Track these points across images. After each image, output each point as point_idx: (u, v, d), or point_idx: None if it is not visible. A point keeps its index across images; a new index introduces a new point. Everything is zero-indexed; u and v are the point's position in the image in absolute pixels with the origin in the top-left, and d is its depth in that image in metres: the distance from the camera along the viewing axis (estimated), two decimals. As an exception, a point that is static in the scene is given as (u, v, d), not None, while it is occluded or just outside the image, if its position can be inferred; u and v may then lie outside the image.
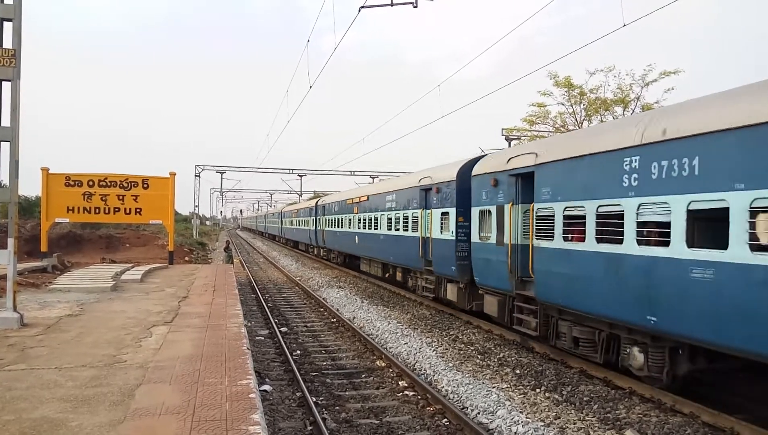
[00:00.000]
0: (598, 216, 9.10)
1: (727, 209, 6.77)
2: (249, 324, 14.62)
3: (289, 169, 66.86)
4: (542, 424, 7.72)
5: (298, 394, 9.43)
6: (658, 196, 7.86)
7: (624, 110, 28.78)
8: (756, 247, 6.45)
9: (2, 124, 10.46)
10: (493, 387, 9.39)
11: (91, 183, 22.80)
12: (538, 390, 9.25)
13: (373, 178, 59.74)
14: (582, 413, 8.14)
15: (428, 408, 8.78)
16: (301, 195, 72.34)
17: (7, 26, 10.49)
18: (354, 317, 16.33)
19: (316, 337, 14.36)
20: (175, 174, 24.32)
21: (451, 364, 10.84)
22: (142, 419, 5.76)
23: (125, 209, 23.25)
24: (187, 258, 33.60)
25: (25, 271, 18.32)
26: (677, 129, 7.64)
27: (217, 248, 50.52)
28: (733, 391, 8.73)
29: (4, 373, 7.44)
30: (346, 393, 9.61)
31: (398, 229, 19.65)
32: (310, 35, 18.55)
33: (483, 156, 14.49)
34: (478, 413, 8.31)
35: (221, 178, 68.61)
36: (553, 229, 10.28)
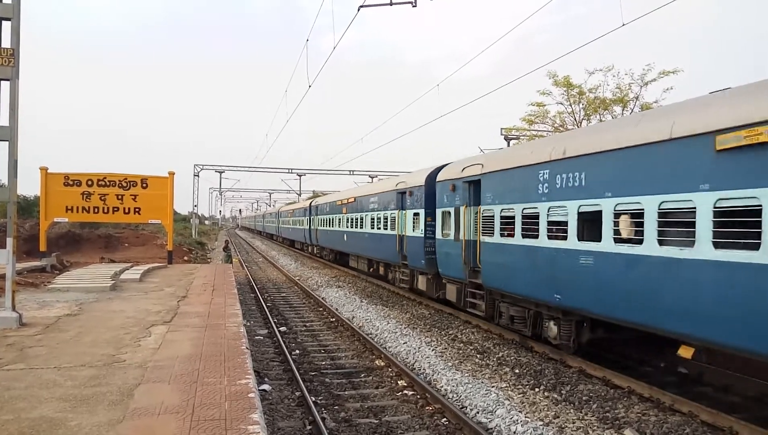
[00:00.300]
0: (523, 216, 11.35)
1: (600, 211, 9.11)
2: (248, 323, 14.62)
3: (288, 169, 66.78)
4: (541, 423, 7.73)
5: (297, 393, 9.43)
6: (560, 201, 10.19)
7: (623, 110, 28.79)
8: (618, 239, 8.78)
9: (1, 124, 10.45)
10: (492, 386, 9.39)
11: (90, 182, 22.77)
12: (537, 389, 9.26)
13: (372, 177, 59.67)
14: (581, 412, 8.15)
15: (427, 407, 8.78)
16: (300, 194, 72.28)
17: (6, 25, 10.47)
18: (353, 317, 16.33)
19: (315, 336, 14.36)
20: (173, 173, 24.29)
21: (450, 364, 10.85)
22: (141, 419, 5.76)
23: (124, 209, 23.21)
24: (186, 257, 33.59)
25: (24, 271, 18.31)
26: (572, 150, 10.01)
27: (216, 248, 50.51)
28: (732, 391, 8.74)
29: (3, 372, 7.43)
30: (346, 392, 9.61)
31: (380, 228, 21.70)
32: (309, 35, 18.52)
33: (446, 164, 16.33)
34: (477, 412, 8.31)
35: (220, 178, 68.54)
36: (493, 227, 12.49)
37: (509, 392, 9.11)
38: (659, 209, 7.90)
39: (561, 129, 29.66)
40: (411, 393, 9.51)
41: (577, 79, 29.60)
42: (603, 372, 9.74)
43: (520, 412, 8.17)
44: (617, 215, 8.75)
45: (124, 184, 23.20)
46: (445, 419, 8.25)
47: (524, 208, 11.25)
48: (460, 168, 14.59)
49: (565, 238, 9.97)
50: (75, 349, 8.83)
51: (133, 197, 23.27)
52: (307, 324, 16.02)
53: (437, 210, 15.89)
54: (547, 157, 10.58)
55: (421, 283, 17.81)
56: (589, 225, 9.51)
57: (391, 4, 13.66)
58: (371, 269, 24.38)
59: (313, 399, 8.99)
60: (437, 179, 16.03)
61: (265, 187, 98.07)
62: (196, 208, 62.89)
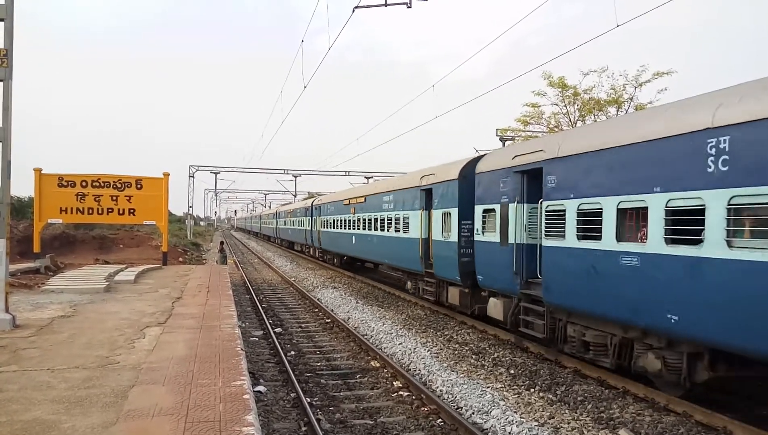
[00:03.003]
0: (333, 220, 29.73)
1: (336, 219, 28.80)
2: (243, 325, 14.59)
3: (284, 170, 66.75)
4: (536, 423, 7.73)
5: (292, 394, 9.42)
6: (334, 215, 29.75)
7: (618, 110, 28.88)
8: (346, 227, 27.05)
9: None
10: (488, 387, 9.39)
11: (84, 183, 22.68)
12: (532, 390, 9.27)
13: (367, 178, 59.66)
14: (576, 413, 8.16)
15: (423, 408, 8.78)
16: (295, 195, 72.18)
17: (-1, 26, 10.42)
18: (349, 318, 16.32)
19: (311, 337, 14.34)
20: (168, 174, 24.21)
21: (445, 365, 10.85)
22: (136, 421, 5.74)
23: (119, 210, 23.13)
24: (181, 259, 33.44)
25: (17, 272, 18.21)
26: (338, 198, 30.65)
27: (211, 249, 50.40)
28: (727, 391, 8.77)
29: (-4, 374, 7.39)
30: (341, 393, 9.60)
31: (301, 226, 40.74)
32: (304, 35, 18.59)
33: (317, 197, 39.39)
34: (473, 413, 8.31)
35: (215, 179, 68.37)
36: (324, 225, 31.53)
37: (504, 393, 9.12)
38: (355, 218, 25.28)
39: (556, 129, 29.74)
40: (406, 394, 9.50)
41: (571, 80, 29.73)
42: (598, 372, 9.76)
43: (515, 412, 8.17)
44: (344, 220, 27.05)
45: (119, 185, 23.12)
46: (440, 420, 8.25)
47: (330, 218, 29.84)
48: (318, 200, 35.03)
49: (347, 227, 26.22)
50: (69, 350, 8.80)
51: (127, 198, 23.19)
52: (303, 325, 15.99)
53: (313, 217, 35.14)
54: (334, 199, 30.73)
55: (312, 253, 38.10)
56: (340, 223, 27.78)
57: (386, 5, 13.67)
58: (303, 249, 43.24)
59: (309, 400, 8.97)
60: (313, 204, 35.57)
61: (260, 188, 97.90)
62: (191, 209, 62.78)
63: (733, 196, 6.62)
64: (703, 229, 7.03)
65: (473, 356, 11.49)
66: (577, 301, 9.61)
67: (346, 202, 26.56)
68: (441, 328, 14.30)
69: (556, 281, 10.14)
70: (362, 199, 23.72)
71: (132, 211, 23.30)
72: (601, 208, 8.86)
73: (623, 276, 8.37)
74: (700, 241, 7.08)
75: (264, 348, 12.91)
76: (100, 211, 22.97)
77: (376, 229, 21.40)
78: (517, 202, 11.40)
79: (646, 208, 7.98)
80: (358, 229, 24.11)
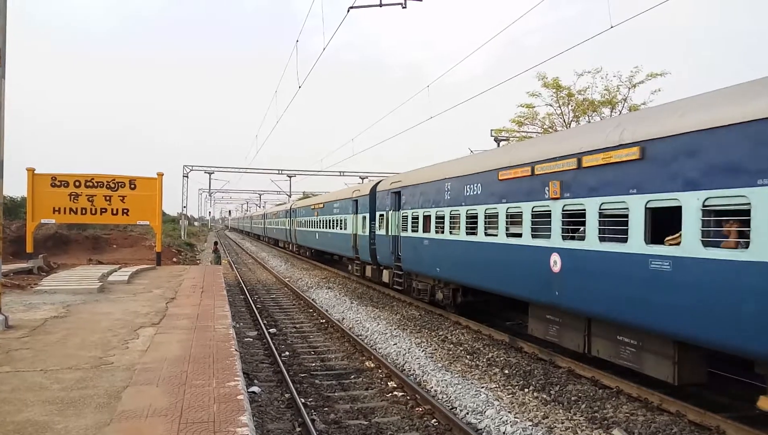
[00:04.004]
0: (305, 221, 36.59)
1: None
2: (237, 325, 14.56)
3: (278, 170, 66.60)
4: (530, 423, 7.75)
5: (286, 395, 9.41)
6: (308, 217, 36.84)
7: (611, 111, 28.99)
8: (309, 226, 36.30)
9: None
10: (482, 387, 9.42)
11: (77, 183, 22.54)
12: (526, 390, 9.30)
13: (362, 178, 59.62)
14: (570, 413, 8.18)
15: (417, 408, 8.78)
16: (290, 196, 72.04)
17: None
18: (343, 318, 16.31)
19: (305, 338, 14.32)
20: (162, 174, 24.10)
21: (440, 365, 10.86)
22: (129, 421, 5.71)
23: (112, 210, 23.00)
24: (174, 259, 33.35)
25: (10, 273, 18.10)
26: (300, 204, 42.05)
27: (205, 249, 50.28)
28: (720, 391, 8.82)
29: (-12, 375, 7.34)
30: (335, 394, 9.59)
31: (282, 226, 48.08)
32: (299, 35, 18.51)
33: (295, 201, 48.55)
34: (467, 413, 8.33)
35: (210, 179, 68.09)
36: (299, 225, 39.40)
37: (499, 393, 9.14)
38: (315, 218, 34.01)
39: (550, 130, 29.81)
40: (401, 394, 9.51)
41: (566, 81, 29.81)
42: (592, 372, 9.80)
43: (509, 412, 8.20)
44: (311, 220, 34.46)
45: (112, 185, 23.00)
46: (434, 420, 8.26)
47: (302, 219, 37.88)
48: (295, 205, 42.54)
49: (313, 226, 33.47)
50: (62, 351, 8.75)
51: (121, 198, 23.07)
52: (297, 325, 15.97)
53: (291, 219, 42.59)
54: (305, 204, 38.31)
55: (291, 248, 44.30)
56: (309, 223, 35.24)
57: (380, 5, 13.67)
58: (284, 246, 50.77)
59: (303, 401, 8.96)
60: (291, 208, 43.01)
61: (255, 188, 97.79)
62: (185, 209, 62.57)
63: (451, 211, 14.13)
64: (444, 225, 14.55)
65: (468, 356, 11.51)
66: (414, 266, 17.18)
67: (313, 207, 34.37)
68: (435, 329, 14.31)
69: (406, 256, 17.61)
70: (322, 205, 31.55)
71: (125, 211, 23.17)
72: (418, 215, 16.35)
73: (425, 250, 15.83)
74: (443, 231, 14.58)
75: (258, 348, 12.89)
76: (93, 211, 22.83)
77: (329, 227, 29.10)
78: (393, 210, 18.69)
79: (430, 215, 15.52)
80: (320, 227, 31.75)
